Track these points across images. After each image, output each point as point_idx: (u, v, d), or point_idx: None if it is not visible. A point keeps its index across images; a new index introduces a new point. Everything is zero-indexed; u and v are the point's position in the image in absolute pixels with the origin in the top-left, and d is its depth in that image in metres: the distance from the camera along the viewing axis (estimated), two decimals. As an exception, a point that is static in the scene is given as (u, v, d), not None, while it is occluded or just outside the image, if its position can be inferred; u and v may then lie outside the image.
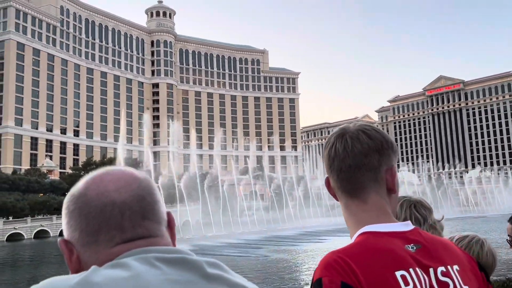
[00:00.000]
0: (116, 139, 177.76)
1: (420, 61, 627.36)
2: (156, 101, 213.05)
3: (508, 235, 3.83)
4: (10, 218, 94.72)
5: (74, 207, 1.33)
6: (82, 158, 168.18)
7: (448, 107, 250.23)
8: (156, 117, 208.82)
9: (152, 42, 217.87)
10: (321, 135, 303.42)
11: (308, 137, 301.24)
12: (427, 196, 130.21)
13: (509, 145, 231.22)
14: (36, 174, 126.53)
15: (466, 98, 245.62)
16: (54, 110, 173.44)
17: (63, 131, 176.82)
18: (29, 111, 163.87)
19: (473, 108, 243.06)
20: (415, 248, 1.64)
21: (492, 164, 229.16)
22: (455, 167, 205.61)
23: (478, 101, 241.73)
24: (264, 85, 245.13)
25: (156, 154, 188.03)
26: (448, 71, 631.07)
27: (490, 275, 3.20)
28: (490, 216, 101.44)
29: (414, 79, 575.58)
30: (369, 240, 1.64)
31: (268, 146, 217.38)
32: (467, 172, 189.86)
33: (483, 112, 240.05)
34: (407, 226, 1.73)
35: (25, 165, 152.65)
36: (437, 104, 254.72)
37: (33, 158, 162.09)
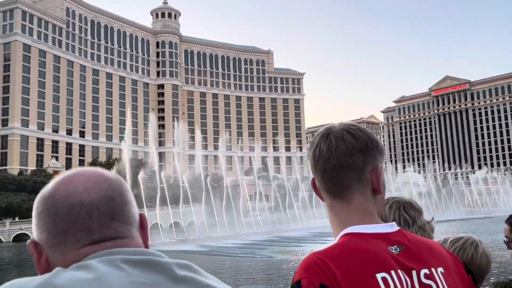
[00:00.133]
0: (121, 140, 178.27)
1: (426, 61, 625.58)
2: (161, 102, 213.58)
3: (506, 236, 3.79)
4: (17, 219, 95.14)
5: (43, 208, 1.32)
6: (88, 159, 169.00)
7: (454, 107, 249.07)
8: (161, 118, 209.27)
9: (157, 43, 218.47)
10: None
11: (313, 138, 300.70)
12: (432, 197, 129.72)
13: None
14: (42, 175, 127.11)
15: (472, 98, 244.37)
16: (60, 111, 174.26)
17: (69, 132, 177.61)
18: (35, 112, 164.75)
19: (479, 109, 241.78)
20: (398, 250, 1.62)
21: (498, 164, 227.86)
22: (461, 168, 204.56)
23: (485, 101, 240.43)
24: (269, 86, 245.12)
25: (161, 155, 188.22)
26: (454, 71, 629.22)
27: (484, 277, 3.17)
28: (497, 217, 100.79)
29: (420, 79, 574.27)
30: (350, 241, 1.62)
31: (273, 147, 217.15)
32: (474, 172, 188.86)
33: (489, 113, 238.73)
34: (391, 227, 1.71)
35: (31, 166, 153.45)
36: (443, 104, 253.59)
37: (39, 159, 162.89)
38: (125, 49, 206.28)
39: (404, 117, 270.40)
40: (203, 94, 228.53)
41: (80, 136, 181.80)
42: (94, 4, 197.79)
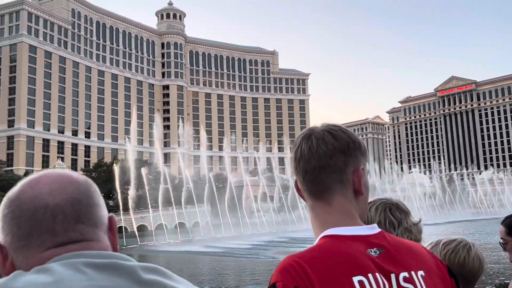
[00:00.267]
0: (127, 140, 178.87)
1: (432, 62, 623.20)
2: (166, 103, 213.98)
3: (502, 238, 3.66)
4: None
5: (8, 211, 1.31)
6: (93, 159, 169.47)
7: (460, 107, 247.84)
8: (166, 119, 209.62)
9: (163, 44, 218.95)
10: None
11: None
12: (438, 198, 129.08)
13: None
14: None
15: (478, 99, 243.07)
16: (65, 112, 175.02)
17: (75, 133, 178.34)
18: (41, 113, 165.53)
19: (485, 109, 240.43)
20: (378, 252, 1.60)
21: (505, 165, 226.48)
22: (467, 168, 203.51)
23: (491, 102, 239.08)
24: (274, 86, 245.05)
25: (166, 156, 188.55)
26: (460, 71, 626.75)
27: (476, 280, 3.13)
28: (503, 218, 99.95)
29: (425, 79, 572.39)
30: (328, 244, 1.60)
31: (278, 147, 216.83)
32: (480, 173, 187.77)
33: (495, 113, 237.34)
34: (372, 229, 1.69)
35: (37, 167, 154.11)
36: (449, 104, 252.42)
37: (45, 160, 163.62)
38: (130, 50, 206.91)
39: (410, 118, 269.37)
40: (208, 95, 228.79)
41: (85, 137, 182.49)
42: (99, 5, 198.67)
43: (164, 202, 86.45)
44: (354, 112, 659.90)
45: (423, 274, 1.62)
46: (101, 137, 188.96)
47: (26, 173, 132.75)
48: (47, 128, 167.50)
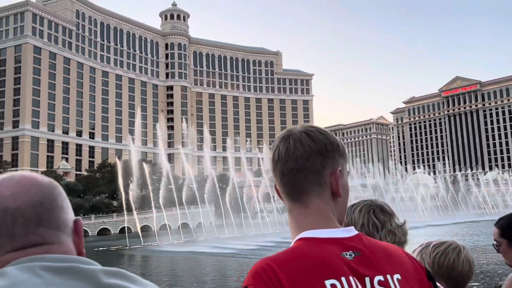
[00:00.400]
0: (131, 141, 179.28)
1: (436, 62, 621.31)
2: (170, 104, 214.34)
3: (495, 240, 3.65)
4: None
5: None
6: (98, 160, 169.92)
7: (465, 108, 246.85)
8: (170, 119, 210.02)
9: (166, 45, 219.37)
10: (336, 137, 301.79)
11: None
12: (442, 198, 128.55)
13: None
14: (52, 176, 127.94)
15: (483, 99, 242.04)
16: (70, 113, 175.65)
17: (79, 134, 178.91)
18: (46, 113, 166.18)
19: (490, 109, 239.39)
20: (353, 255, 1.58)
21: (510, 166, 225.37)
22: (472, 169, 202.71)
23: (495, 102, 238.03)
24: (277, 87, 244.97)
25: (170, 156, 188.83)
26: (465, 71, 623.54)
27: (466, 284, 3.09)
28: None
29: (429, 80, 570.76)
30: (302, 246, 1.58)
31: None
32: (484, 174, 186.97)
33: (500, 113, 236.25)
34: (348, 232, 1.66)
35: (42, 167, 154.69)
36: (453, 105, 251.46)
37: (50, 160, 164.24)
38: (134, 51, 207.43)
39: (414, 118, 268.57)
40: (211, 96, 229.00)
41: (90, 138, 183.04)
42: (103, 6, 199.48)
43: (168, 202, 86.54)
44: (358, 112, 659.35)
45: (399, 278, 1.60)
46: (105, 137, 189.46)
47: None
48: (51, 128, 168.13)
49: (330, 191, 1.70)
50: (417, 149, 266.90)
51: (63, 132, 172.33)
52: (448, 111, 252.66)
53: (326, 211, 1.68)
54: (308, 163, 1.67)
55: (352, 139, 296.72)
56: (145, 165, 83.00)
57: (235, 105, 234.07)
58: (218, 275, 35.57)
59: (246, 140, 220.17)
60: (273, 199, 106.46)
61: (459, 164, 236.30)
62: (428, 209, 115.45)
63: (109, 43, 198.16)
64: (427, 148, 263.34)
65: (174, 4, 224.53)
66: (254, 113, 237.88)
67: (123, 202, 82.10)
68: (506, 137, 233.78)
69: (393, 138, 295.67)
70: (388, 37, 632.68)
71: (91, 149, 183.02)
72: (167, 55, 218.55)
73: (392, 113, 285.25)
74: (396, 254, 1.69)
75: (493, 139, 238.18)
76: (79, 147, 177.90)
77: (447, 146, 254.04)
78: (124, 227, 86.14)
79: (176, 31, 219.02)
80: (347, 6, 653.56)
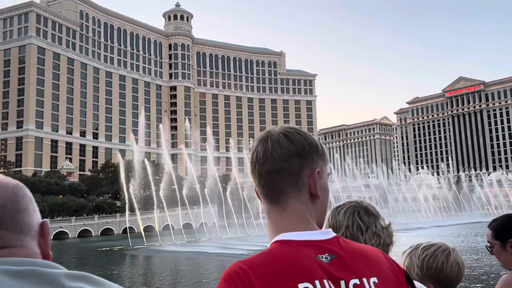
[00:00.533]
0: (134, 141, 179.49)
1: (440, 62, 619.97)
2: (173, 104, 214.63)
3: (488, 241, 3.63)
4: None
5: None
6: (101, 160, 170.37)
7: (468, 108, 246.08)
8: (173, 120, 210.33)
9: (170, 45, 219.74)
10: (339, 137, 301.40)
11: (325, 140, 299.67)
12: (446, 199, 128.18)
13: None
14: (56, 176, 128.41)
15: (487, 100, 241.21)
16: (73, 113, 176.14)
17: (83, 134, 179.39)
18: (49, 114, 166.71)
19: (494, 110, 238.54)
20: (329, 258, 1.56)
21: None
22: (475, 170, 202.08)
23: (499, 103, 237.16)
24: (281, 87, 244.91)
25: (173, 157, 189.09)
26: (468, 72, 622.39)
27: (455, 286, 3.06)
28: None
29: (433, 80, 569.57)
30: (276, 249, 1.56)
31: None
32: (488, 174, 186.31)
33: (504, 114, 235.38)
34: (326, 234, 1.64)
35: (46, 167, 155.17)
36: (457, 105, 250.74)
37: (53, 160, 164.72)
38: (138, 51, 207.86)
39: (418, 119, 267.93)
40: (215, 96, 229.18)
41: (93, 138, 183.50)
42: (107, 7, 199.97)
43: (171, 202, 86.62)
44: (361, 113, 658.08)
45: (376, 281, 1.58)
46: (108, 138, 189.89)
47: (35, 174, 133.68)
48: (55, 129, 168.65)
49: (309, 193, 1.68)
50: (420, 150, 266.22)
51: (66, 133, 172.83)
52: (452, 111, 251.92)
53: (304, 214, 1.66)
54: (286, 165, 1.65)
55: (356, 140, 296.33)
56: (148, 165, 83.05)
57: (238, 105, 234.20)
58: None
59: (249, 141, 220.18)
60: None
61: (463, 165, 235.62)
62: (432, 210, 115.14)
63: (113, 43, 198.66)
64: (430, 148, 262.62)
65: (177, 5, 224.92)
66: (257, 113, 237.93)
67: (126, 202, 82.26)
68: (510, 137, 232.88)
69: (396, 138, 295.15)
70: (391, 37, 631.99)
71: (95, 149, 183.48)
72: (170, 56, 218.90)
73: (395, 113, 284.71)
74: (375, 257, 1.67)
75: (497, 139, 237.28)
76: (82, 147, 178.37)
77: (450, 146, 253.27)
78: (127, 227, 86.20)
79: (179, 32, 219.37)
80: (351, 7, 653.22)
